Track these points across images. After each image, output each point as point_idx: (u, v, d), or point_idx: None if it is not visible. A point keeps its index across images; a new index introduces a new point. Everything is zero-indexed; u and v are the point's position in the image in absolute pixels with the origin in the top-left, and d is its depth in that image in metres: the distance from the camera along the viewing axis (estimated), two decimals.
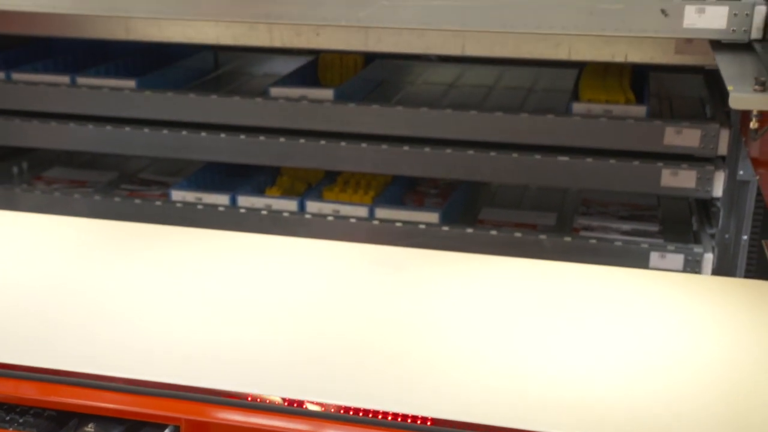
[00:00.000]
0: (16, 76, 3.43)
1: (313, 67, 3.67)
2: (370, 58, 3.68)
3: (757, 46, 2.40)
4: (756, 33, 2.41)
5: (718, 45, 2.51)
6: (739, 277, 2.86)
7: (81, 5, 2.99)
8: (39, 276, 2.03)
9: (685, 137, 2.83)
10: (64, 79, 3.40)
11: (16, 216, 2.45)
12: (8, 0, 2.99)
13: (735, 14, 2.43)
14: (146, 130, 3.32)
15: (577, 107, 2.97)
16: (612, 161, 2.91)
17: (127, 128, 3.33)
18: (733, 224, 2.86)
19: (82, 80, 3.38)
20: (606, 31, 2.67)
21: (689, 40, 2.76)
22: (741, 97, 1.88)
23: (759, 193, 2.74)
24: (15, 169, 3.86)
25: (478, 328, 1.77)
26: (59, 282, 2.00)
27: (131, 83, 3.33)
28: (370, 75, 3.65)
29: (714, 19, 2.44)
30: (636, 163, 2.89)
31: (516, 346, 1.71)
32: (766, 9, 2.40)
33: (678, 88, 3.59)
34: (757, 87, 1.89)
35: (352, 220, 3.15)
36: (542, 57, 2.96)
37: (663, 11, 2.53)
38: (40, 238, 2.25)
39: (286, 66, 3.81)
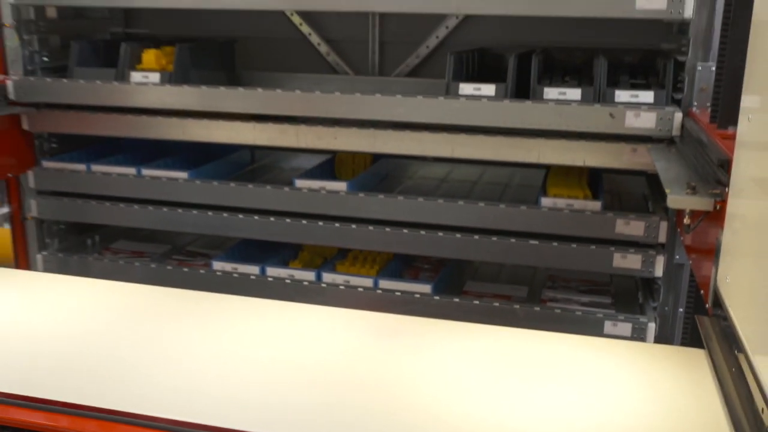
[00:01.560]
0: (94, 167, 3.47)
1: (331, 164, 3.70)
2: (377, 157, 3.71)
3: (677, 140, 2.67)
4: (675, 132, 2.71)
5: (654, 150, 2.66)
6: (677, 343, 2.85)
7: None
8: (103, 330, 2.03)
9: (632, 227, 2.85)
10: (131, 170, 3.43)
11: (87, 281, 2.45)
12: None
13: (661, 118, 2.70)
14: (194, 212, 3.34)
15: (545, 201, 2.99)
16: (573, 245, 2.92)
17: (180, 210, 3.36)
18: (671, 299, 2.86)
19: (145, 171, 3.42)
20: (569, 128, 2.82)
21: (635, 149, 2.81)
22: (676, 199, 1.90)
23: (692, 275, 2.75)
24: (89, 242, 3.89)
25: (463, 388, 1.76)
26: (119, 336, 1.99)
27: (184, 174, 3.36)
28: (377, 171, 3.68)
29: (646, 121, 2.71)
30: (592, 247, 2.90)
31: (495, 404, 1.70)
32: (681, 115, 2.68)
33: (626, 187, 3.61)
34: (688, 190, 1.91)
35: (360, 290, 3.15)
36: (517, 160, 2.99)
37: (611, 114, 2.76)
38: (105, 300, 2.25)
39: (309, 162, 3.84)
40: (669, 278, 2.84)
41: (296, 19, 3.80)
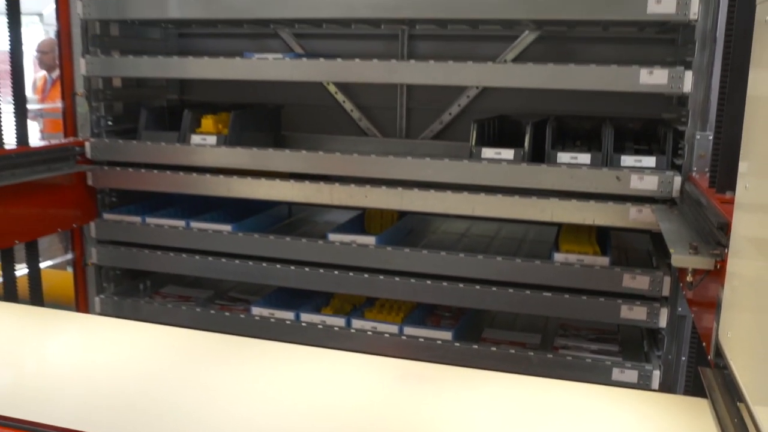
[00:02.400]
0: (149, 220, 3.52)
1: (361, 219, 3.70)
2: (403, 212, 3.71)
3: (677, 201, 2.68)
4: (675, 193, 2.73)
5: (658, 210, 2.65)
6: (680, 389, 2.79)
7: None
8: (152, 372, 2.02)
9: (638, 282, 2.81)
10: (181, 223, 3.47)
11: (139, 326, 2.44)
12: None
13: (662, 181, 2.72)
14: (236, 261, 3.36)
15: (558, 256, 2.97)
16: (583, 297, 2.89)
17: (223, 259, 3.38)
18: (675, 349, 2.81)
19: (193, 224, 3.45)
20: (580, 189, 2.83)
21: (640, 210, 2.79)
22: (681, 258, 1.88)
23: (694, 326, 2.70)
24: (141, 286, 3.90)
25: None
26: (166, 378, 1.98)
27: (228, 227, 3.39)
28: (403, 226, 3.68)
29: (649, 184, 2.74)
30: (601, 299, 2.87)
31: None
32: (681, 180, 2.70)
33: (631, 243, 3.58)
34: (691, 250, 1.89)
35: (386, 335, 3.13)
36: (532, 218, 2.97)
37: (617, 177, 2.79)
38: (155, 344, 2.24)
39: (342, 216, 3.86)
40: (672, 329, 2.80)
41: (332, 89, 3.86)
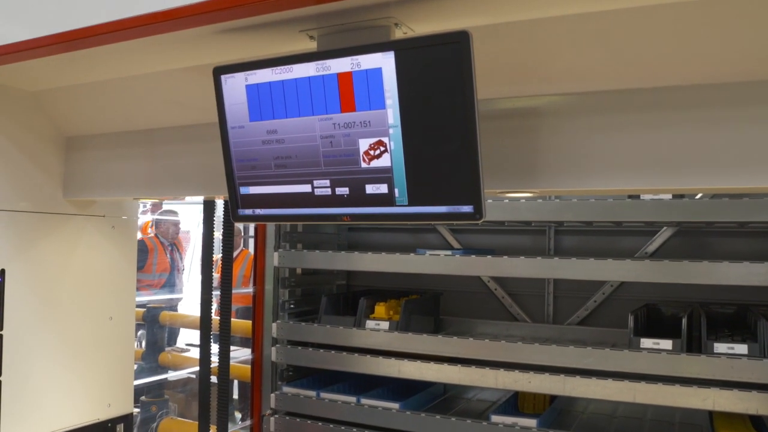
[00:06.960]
0: (323, 395, 3.50)
1: (515, 398, 3.53)
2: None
3: None
4: None
5: None
6: None
7: None
8: None
9: None
10: (352, 399, 3.42)
11: None
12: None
13: None
14: None
15: None
16: None
17: None
18: None
19: (364, 400, 3.39)
20: (741, 379, 2.63)
21: None
22: None
23: None
24: None
25: None
26: None
27: (396, 405, 3.31)
28: (557, 406, 3.47)
29: None
30: None
31: None
32: None
33: None
34: None
35: None
36: (694, 407, 2.75)
37: None
38: None
39: (491, 394, 3.72)
40: None
41: (485, 278, 3.86)
